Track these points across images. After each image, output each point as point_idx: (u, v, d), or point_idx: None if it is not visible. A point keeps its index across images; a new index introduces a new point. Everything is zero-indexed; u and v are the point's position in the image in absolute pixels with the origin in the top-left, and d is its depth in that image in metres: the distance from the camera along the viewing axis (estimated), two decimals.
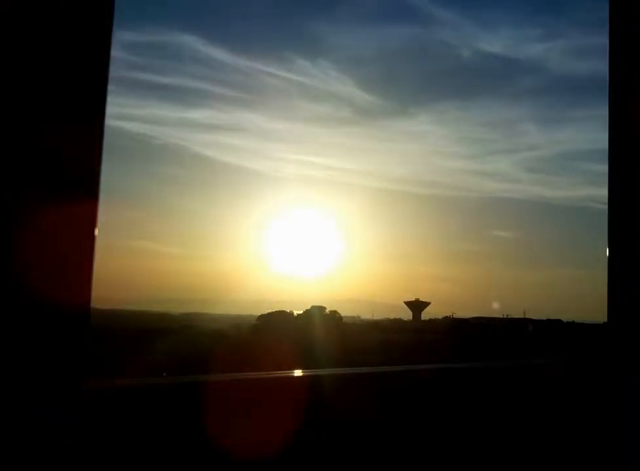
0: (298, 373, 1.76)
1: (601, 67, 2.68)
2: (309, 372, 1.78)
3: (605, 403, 2.26)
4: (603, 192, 2.56)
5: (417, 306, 24.82)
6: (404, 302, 25.05)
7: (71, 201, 1.28)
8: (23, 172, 1.23)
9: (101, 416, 1.31)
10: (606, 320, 2.44)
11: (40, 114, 1.25)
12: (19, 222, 1.22)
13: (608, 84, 2.56)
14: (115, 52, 1.34)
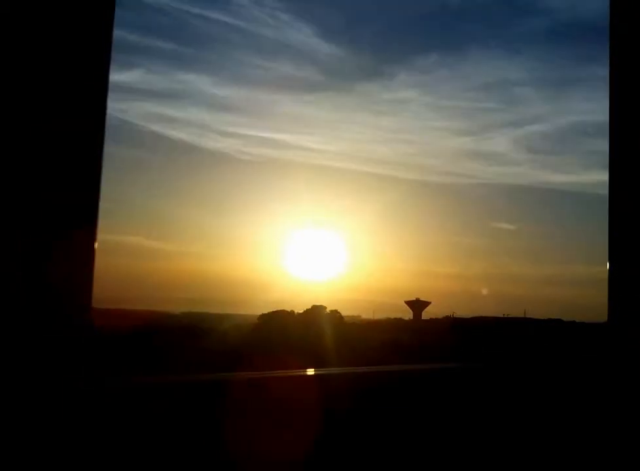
0: (298, 372, 1.76)
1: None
2: (310, 372, 1.78)
3: (605, 403, 2.25)
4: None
5: (417, 306, 24.81)
6: (405, 302, 25.05)
7: (71, 201, 1.28)
8: (24, 174, 1.23)
9: (102, 415, 1.32)
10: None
11: (39, 116, 1.26)
12: (20, 223, 1.22)
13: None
14: None
